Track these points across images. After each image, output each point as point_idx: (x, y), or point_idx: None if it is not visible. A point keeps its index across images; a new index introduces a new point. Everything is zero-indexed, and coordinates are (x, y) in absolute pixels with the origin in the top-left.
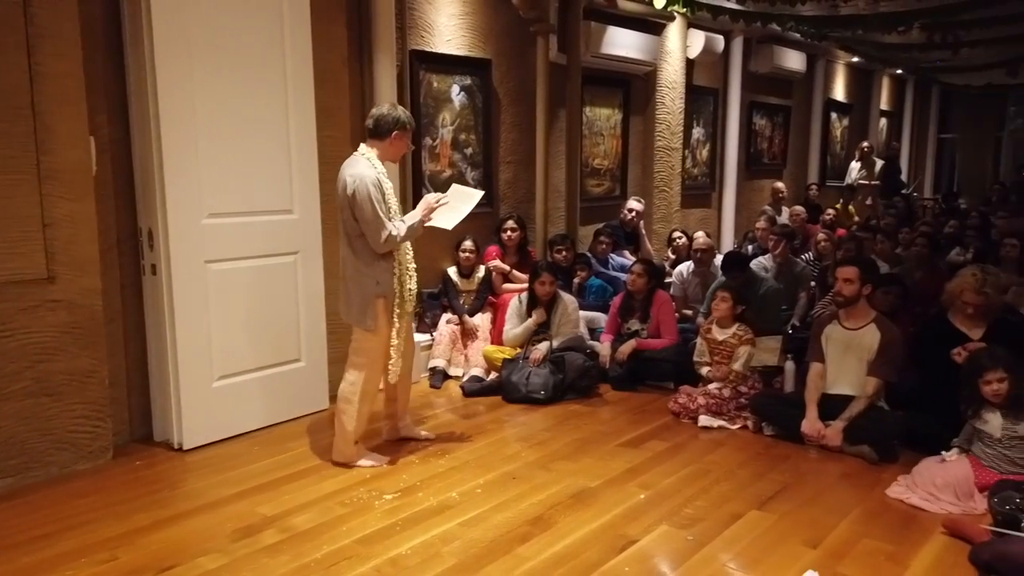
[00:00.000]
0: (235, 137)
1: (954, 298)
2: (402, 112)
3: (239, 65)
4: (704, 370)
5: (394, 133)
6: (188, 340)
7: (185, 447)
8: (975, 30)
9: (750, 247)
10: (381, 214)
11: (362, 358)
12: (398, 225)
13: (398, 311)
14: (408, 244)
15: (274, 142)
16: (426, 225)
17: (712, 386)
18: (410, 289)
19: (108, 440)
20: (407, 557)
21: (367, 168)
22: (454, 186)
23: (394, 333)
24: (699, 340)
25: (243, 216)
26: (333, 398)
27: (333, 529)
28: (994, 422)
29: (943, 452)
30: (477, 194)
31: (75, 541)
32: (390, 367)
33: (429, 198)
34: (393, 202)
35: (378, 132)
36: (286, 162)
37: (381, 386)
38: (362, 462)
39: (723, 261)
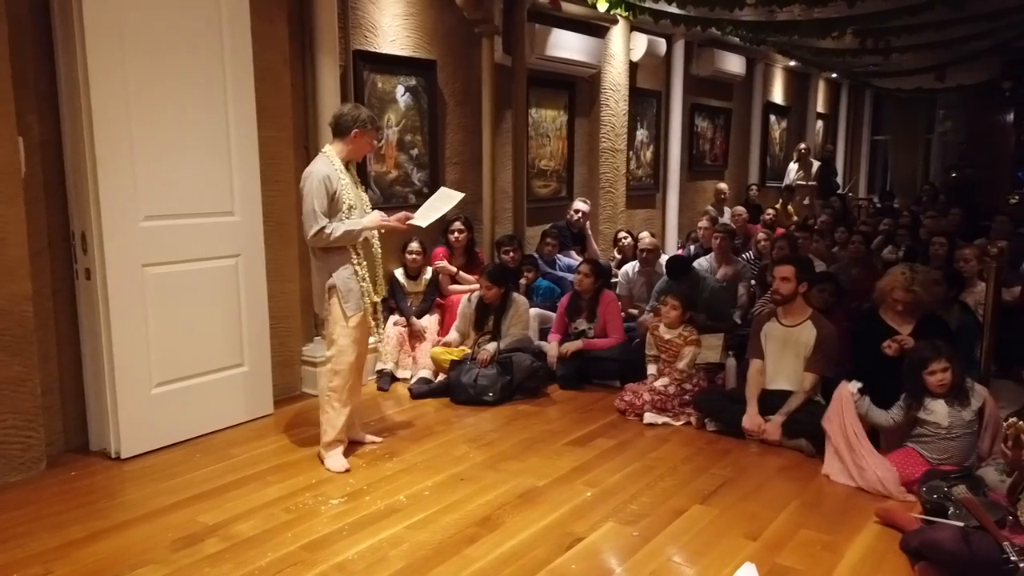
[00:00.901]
0: (172, 137)
1: (885, 295)
2: (364, 111)
3: (176, 63)
4: (651, 368)
5: (354, 131)
6: (125, 346)
7: (123, 456)
8: (905, 36)
9: (692, 247)
10: (316, 209)
11: (331, 351)
12: (336, 225)
13: (368, 303)
14: (375, 239)
15: (213, 142)
16: (408, 223)
17: (658, 383)
18: (374, 280)
19: (41, 450)
20: (354, 562)
21: (322, 164)
22: (442, 188)
23: (373, 326)
24: (648, 335)
25: (182, 218)
26: (278, 402)
27: (278, 536)
28: (940, 411)
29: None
30: (458, 195)
31: (6, 556)
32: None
33: (376, 216)
34: (350, 200)
35: (339, 131)
36: (226, 163)
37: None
38: (333, 463)
39: (667, 266)
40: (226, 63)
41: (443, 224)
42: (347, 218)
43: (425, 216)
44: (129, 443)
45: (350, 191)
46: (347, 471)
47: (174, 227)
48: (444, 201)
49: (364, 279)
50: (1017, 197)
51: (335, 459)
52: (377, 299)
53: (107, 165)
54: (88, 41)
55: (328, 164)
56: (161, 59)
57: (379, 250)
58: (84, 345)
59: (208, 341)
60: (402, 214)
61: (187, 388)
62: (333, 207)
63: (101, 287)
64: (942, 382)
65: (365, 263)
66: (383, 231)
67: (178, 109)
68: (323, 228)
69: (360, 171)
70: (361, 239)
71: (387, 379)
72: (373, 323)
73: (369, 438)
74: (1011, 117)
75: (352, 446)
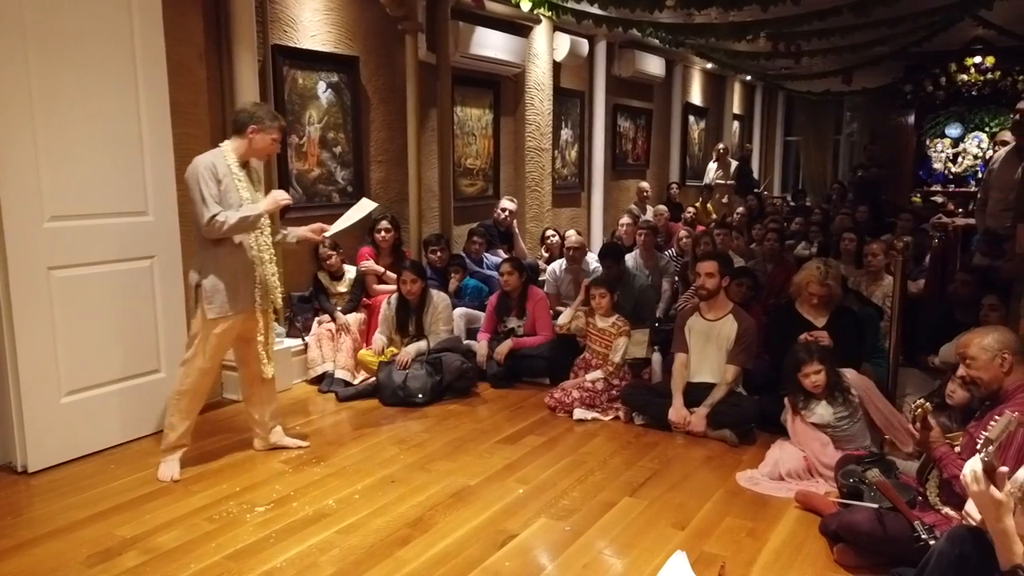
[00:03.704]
0: (80, 134)
1: (801, 289)
2: (265, 109)
3: (84, 58)
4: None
5: (250, 128)
6: (31, 354)
7: (30, 470)
8: (814, 40)
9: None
10: (206, 194)
11: (188, 353)
12: (231, 212)
13: (260, 303)
14: (260, 238)
15: (125, 140)
16: (324, 235)
17: (590, 375)
18: (254, 284)
19: None
20: (282, 570)
21: (209, 155)
22: (363, 199)
23: (260, 327)
24: (572, 311)
25: (91, 218)
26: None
27: (201, 546)
28: (821, 410)
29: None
30: (372, 204)
31: None
32: (263, 367)
33: (276, 193)
34: (242, 197)
35: (236, 128)
36: (138, 161)
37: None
38: (163, 469)
39: (601, 250)
40: (137, 57)
41: (369, 224)
42: None
43: (340, 225)
44: (36, 456)
45: (243, 189)
46: (175, 481)
47: (83, 228)
48: (360, 210)
49: (230, 282)
50: (919, 195)
51: (166, 466)
52: (259, 307)
53: (8, 164)
54: None
55: (217, 156)
56: (67, 53)
57: (264, 252)
58: None
59: (122, 346)
60: (317, 226)
61: (100, 396)
62: (224, 200)
63: (3, 292)
64: (816, 384)
65: (247, 263)
66: (296, 237)
67: (86, 105)
68: (215, 215)
69: (280, 169)
70: (256, 228)
71: (330, 380)
72: (261, 337)
73: (294, 443)
74: (912, 119)
75: (276, 451)
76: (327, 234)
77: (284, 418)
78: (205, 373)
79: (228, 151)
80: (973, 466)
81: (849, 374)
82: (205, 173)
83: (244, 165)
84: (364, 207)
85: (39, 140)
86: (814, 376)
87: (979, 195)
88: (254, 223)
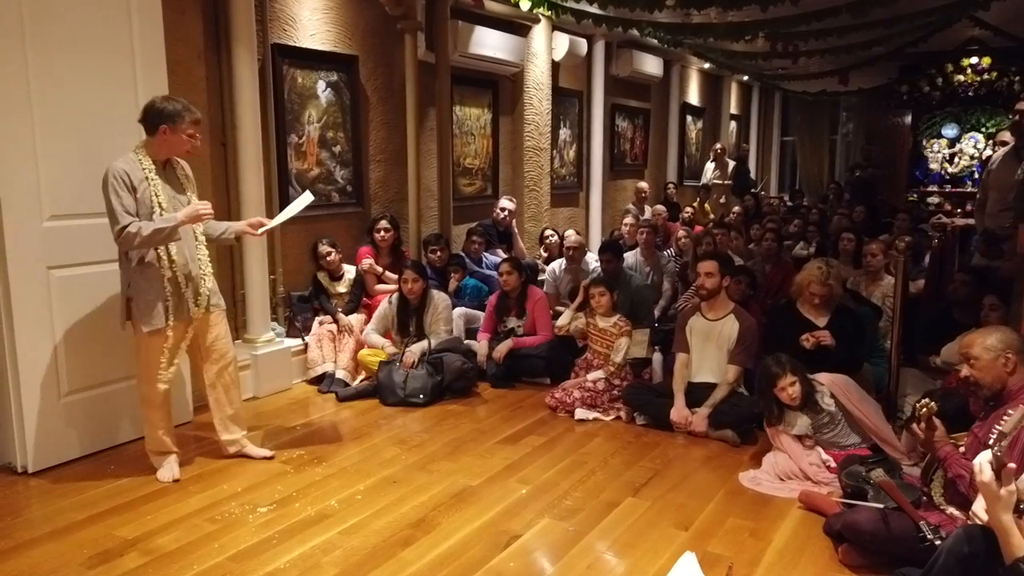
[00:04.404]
0: (80, 132)
1: (802, 289)
2: (175, 104)
3: (83, 57)
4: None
5: (160, 128)
6: (31, 354)
7: (30, 470)
8: (812, 41)
9: None
10: (116, 206)
11: (137, 360)
12: (145, 223)
13: (164, 317)
14: (191, 242)
15: (124, 138)
16: (261, 230)
17: (591, 375)
18: (186, 291)
19: None
20: (285, 571)
21: (121, 161)
22: (305, 192)
23: (169, 336)
24: (571, 312)
25: (91, 218)
26: (196, 409)
27: (202, 547)
28: (800, 422)
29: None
30: (309, 198)
31: None
32: (159, 375)
33: (198, 204)
34: (159, 201)
35: (146, 128)
36: None
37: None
38: (160, 473)
39: (602, 245)
40: (136, 56)
41: (368, 223)
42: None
43: (280, 218)
44: (37, 456)
45: (160, 192)
46: (175, 482)
47: (83, 227)
48: (299, 203)
49: (159, 292)
50: (915, 196)
51: (166, 467)
52: (195, 315)
53: (7, 163)
54: None
55: (131, 161)
56: (66, 51)
57: (191, 263)
58: None
59: (122, 346)
60: (255, 220)
61: (99, 396)
62: (141, 208)
63: (3, 292)
64: (793, 396)
65: (174, 272)
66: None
67: (86, 104)
68: (127, 226)
69: (280, 168)
70: (175, 239)
71: (331, 380)
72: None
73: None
74: (908, 119)
75: (277, 452)
76: (266, 227)
77: (284, 418)
78: (152, 384)
79: (143, 155)
80: (984, 458)
81: (823, 378)
82: (115, 182)
83: (165, 165)
84: (304, 200)
85: (38, 139)
86: (790, 388)
87: (978, 195)
88: (171, 235)
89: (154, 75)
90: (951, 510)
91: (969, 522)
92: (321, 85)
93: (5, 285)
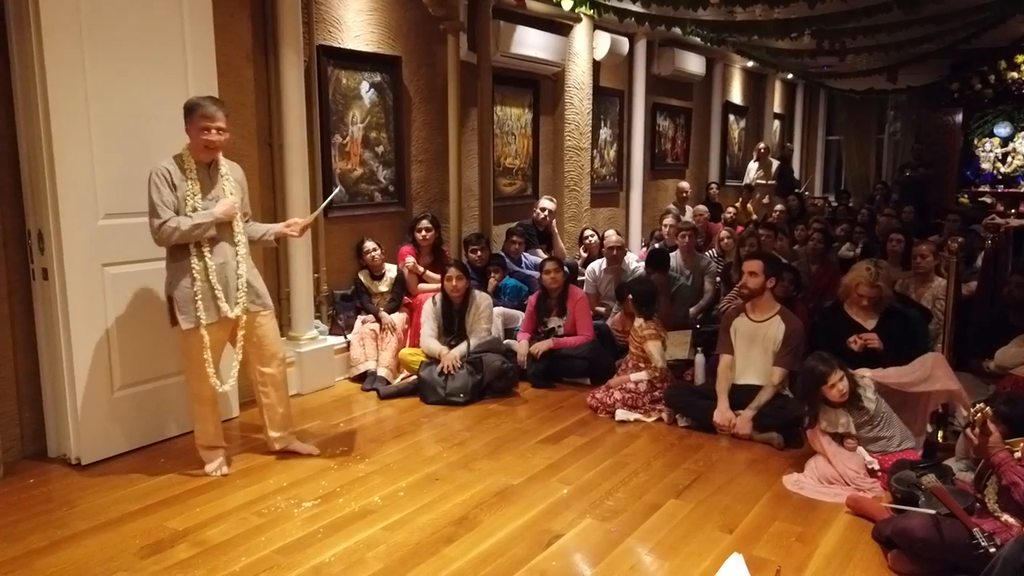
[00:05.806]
0: (133, 132)
1: (850, 291)
2: (193, 99)
3: (137, 57)
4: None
5: (185, 126)
6: (85, 349)
7: (84, 462)
8: (860, 38)
9: (656, 245)
10: (156, 200)
11: (182, 357)
12: (183, 219)
13: (204, 315)
14: (229, 243)
15: (175, 138)
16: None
17: (634, 375)
18: (225, 291)
19: None
20: (330, 565)
21: (166, 160)
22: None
23: (205, 335)
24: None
25: (143, 216)
26: (243, 405)
27: (250, 540)
28: (842, 419)
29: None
30: (335, 190)
31: None
32: (212, 374)
33: (229, 199)
34: (194, 203)
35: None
36: None
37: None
38: (208, 467)
39: (648, 258)
40: (188, 57)
41: (410, 223)
42: None
43: (313, 215)
44: (90, 449)
45: (197, 196)
46: (223, 476)
47: (136, 225)
48: (329, 197)
49: (200, 291)
50: (967, 196)
51: (213, 461)
52: (232, 314)
53: (65, 161)
54: (45, 35)
55: (173, 161)
56: (121, 53)
57: (231, 259)
58: (42, 348)
59: (171, 342)
60: (292, 221)
61: (150, 391)
62: (180, 207)
63: (59, 288)
64: (843, 391)
65: (212, 271)
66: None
67: (139, 105)
68: (166, 222)
69: (324, 168)
70: (210, 235)
71: (372, 379)
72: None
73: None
74: (959, 118)
75: (320, 448)
76: (302, 225)
77: (328, 415)
78: (200, 380)
79: (186, 155)
80: None
81: (866, 374)
82: (157, 179)
83: (210, 167)
84: (333, 193)
85: (94, 140)
86: (840, 384)
87: None
88: (206, 229)
89: (205, 76)
90: (1006, 517)
91: None
92: (365, 86)
93: (62, 282)
